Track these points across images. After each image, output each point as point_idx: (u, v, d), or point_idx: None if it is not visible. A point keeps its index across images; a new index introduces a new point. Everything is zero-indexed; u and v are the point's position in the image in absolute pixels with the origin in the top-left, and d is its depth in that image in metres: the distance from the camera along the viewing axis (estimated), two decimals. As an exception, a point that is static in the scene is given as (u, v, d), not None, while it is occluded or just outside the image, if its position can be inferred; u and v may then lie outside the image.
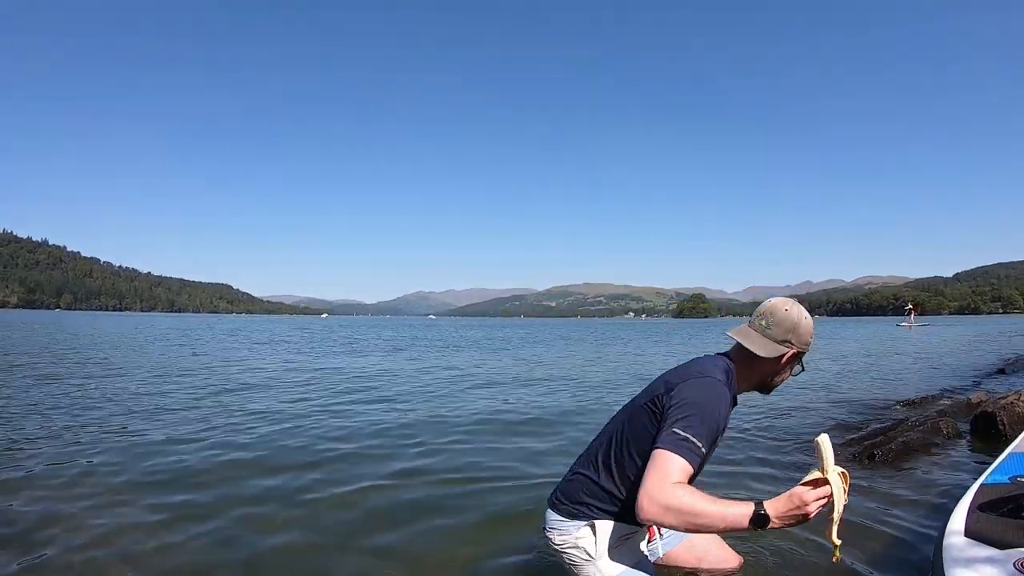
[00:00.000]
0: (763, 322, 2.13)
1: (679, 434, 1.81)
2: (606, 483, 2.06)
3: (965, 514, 2.60)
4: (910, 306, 51.12)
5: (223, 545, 3.09)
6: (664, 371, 2.19)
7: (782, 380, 2.23)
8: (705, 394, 1.95)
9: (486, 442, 5.46)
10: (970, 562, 2.15)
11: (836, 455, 1.75)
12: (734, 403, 2.15)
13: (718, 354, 2.22)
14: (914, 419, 5.96)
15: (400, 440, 5.52)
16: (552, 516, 2.15)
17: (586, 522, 2.07)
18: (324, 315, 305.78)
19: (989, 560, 2.15)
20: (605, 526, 2.06)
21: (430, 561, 2.93)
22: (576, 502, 2.10)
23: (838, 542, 1.76)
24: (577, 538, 2.06)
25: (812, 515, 1.72)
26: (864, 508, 3.61)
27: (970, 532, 2.40)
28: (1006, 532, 2.35)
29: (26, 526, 3.28)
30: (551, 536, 2.13)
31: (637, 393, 2.22)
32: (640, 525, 2.07)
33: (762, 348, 2.09)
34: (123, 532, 3.21)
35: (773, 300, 2.18)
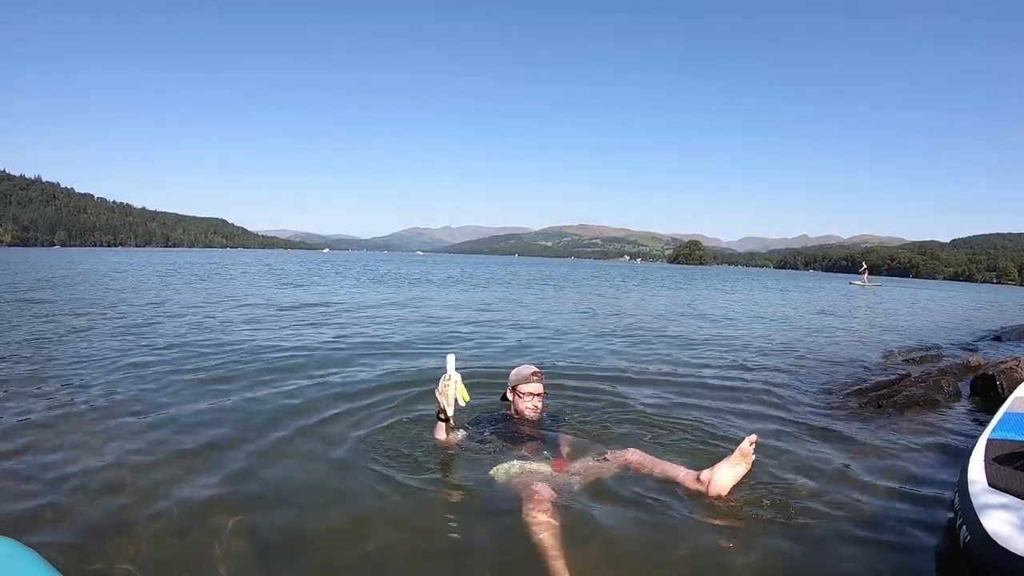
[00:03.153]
0: None
1: None
2: None
3: (983, 467, 2.76)
4: (864, 265, 51.47)
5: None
6: None
7: (523, 406, 3.55)
8: None
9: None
10: (1001, 510, 2.30)
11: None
12: (519, 416, 3.58)
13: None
14: (916, 375, 6.13)
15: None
16: None
17: None
18: (325, 250, 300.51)
19: (1018, 509, 2.30)
20: None
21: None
22: None
23: (450, 413, 3.23)
24: None
25: (439, 400, 3.20)
26: (876, 456, 3.76)
27: (993, 484, 2.55)
28: None
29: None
30: None
31: None
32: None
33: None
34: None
35: None
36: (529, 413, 3.56)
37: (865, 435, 4.20)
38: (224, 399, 4.54)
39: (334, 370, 5.63)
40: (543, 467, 3.03)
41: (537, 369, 3.61)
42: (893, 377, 5.98)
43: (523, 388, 3.56)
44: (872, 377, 6.25)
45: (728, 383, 5.76)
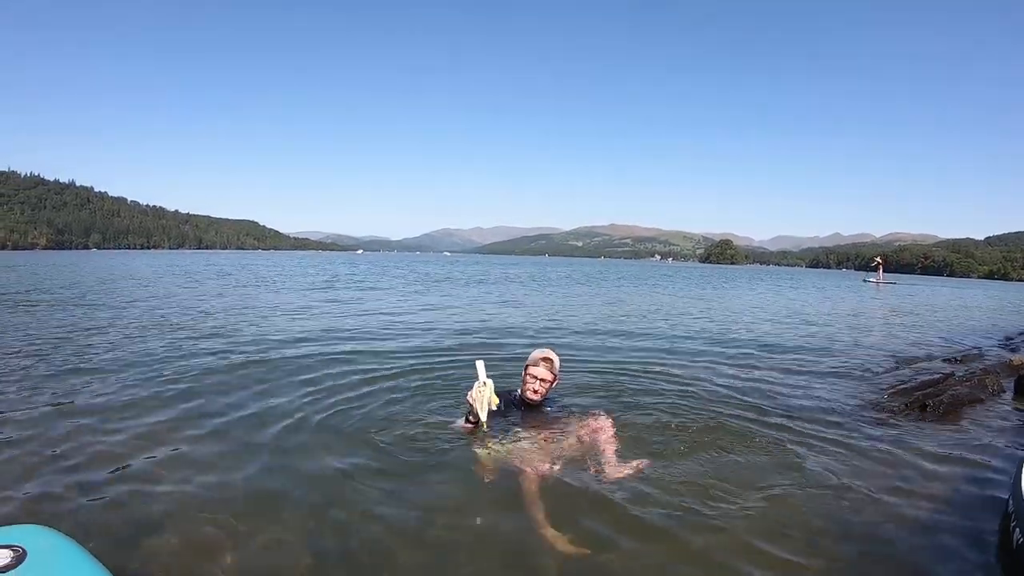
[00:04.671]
0: None
1: None
2: None
3: None
4: (878, 260, 46.58)
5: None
6: None
7: (525, 387, 3.73)
8: None
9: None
10: None
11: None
12: (523, 404, 3.77)
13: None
14: (960, 374, 6.22)
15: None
16: None
17: None
18: (360, 251, 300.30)
19: None
20: None
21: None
22: None
23: (483, 418, 3.38)
24: None
25: (473, 405, 3.41)
26: (926, 456, 3.81)
27: None
28: None
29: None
30: None
31: None
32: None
33: None
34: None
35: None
36: (528, 394, 3.74)
37: (913, 435, 4.27)
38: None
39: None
40: (523, 447, 3.33)
41: (549, 356, 3.74)
42: (937, 376, 6.06)
43: (530, 370, 3.74)
44: (915, 376, 6.32)
45: (768, 384, 5.88)
